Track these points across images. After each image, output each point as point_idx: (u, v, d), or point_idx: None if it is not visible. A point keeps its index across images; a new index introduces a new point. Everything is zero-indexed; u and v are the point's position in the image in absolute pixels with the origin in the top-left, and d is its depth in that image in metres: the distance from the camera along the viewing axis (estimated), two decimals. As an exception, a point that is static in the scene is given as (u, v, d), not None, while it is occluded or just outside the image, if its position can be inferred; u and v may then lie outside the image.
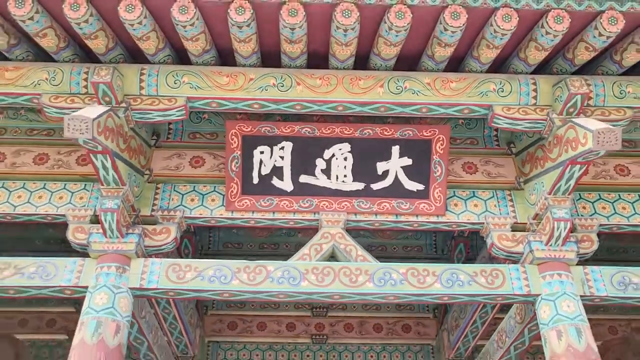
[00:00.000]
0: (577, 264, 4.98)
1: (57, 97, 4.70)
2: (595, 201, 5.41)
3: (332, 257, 5.11)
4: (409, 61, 4.93)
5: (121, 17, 4.21)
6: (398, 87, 4.80)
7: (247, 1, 4.21)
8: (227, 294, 4.78)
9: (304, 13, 4.23)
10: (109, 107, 4.46)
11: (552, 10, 4.30)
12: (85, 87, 4.72)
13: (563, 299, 4.69)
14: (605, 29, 4.30)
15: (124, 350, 4.51)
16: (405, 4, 4.24)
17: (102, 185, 4.76)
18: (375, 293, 4.79)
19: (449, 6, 4.25)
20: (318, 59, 4.87)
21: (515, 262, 5.11)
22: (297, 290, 4.75)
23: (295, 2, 4.21)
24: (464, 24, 4.27)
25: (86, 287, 4.69)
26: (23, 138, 5.59)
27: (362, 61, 4.91)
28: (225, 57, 4.87)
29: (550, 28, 4.30)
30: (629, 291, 4.84)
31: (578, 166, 4.61)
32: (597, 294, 4.84)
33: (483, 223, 5.24)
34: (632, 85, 4.87)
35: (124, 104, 4.65)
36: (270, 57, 4.86)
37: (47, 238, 7.52)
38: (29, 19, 4.22)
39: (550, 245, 4.92)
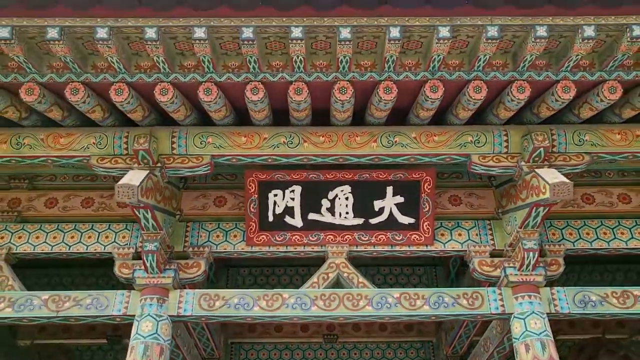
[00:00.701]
0: (545, 285, 5.86)
1: (103, 158, 5.63)
2: (563, 228, 6.27)
3: (337, 283, 6.03)
4: (400, 113, 5.77)
5: (157, 99, 5.10)
6: (389, 142, 5.66)
7: (260, 82, 5.09)
8: (250, 318, 5.74)
9: (308, 91, 5.10)
10: (148, 170, 5.37)
11: (516, 81, 5.14)
12: (126, 149, 5.63)
13: (531, 317, 5.59)
14: (560, 96, 5.13)
15: (168, 368, 5.51)
16: (391, 80, 5.10)
17: (143, 230, 5.70)
18: (374, 315, 5.73)
19: (429, 80, 5.10)
20: (321, 114, 5.71)
21: (493, 285, 6.00)
22: (308, 314, 5.70)
23: (300, 82, 5.08)
24: (441, 95, 5.12)
25: (133, 316, 5.66)
26: (71, 184, 6.54)
27: (359, 114, 5.76)
28: (242, 115, 5.73)
29: (514, 96, 5.14)
30: (588, 308, 5.73)
31: (542, 207, 5.47)
32: (561, 312, 5.73)
33: (466, 250, 6.13)
34: (590, 133, 5.70)
35: (159, 164, 5.57)
36: (280, 114, 5.71)
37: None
38: (82, 102, 5.13)
39: (522, 270, 5.80)
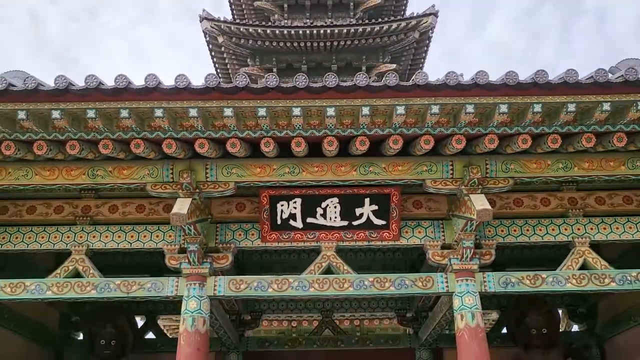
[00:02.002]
0: (479, 271, 8.07)
1: (156, 185, 7.70)
2: (497, 226, 8.40)
3: (328, 270, 8.24)
4: (376, 145, 7.75)
5: (196, 149, 7.11)
6: (366, 170, 7.70)
7: (270, 137, 7.08)
8: (266, 297, 8.01)
9: (306, 144, 7.10)
10: (191, 198, 7.45)
11: (456, 134, 7.11)
12: (172, 178, 7.67)
13: (467, 295, 7.84)
14: (486, 146, 7.12)
15: (208, 332, 7.82)
16: (365, 135, 7.08)
17: (186, 235, 7.84)
18: (354, 294, 7.99)
19: (392, 135, 7.08)
20: (316, 146, 7.69)
21: (442, 270, 8.22)
22: (307, 294, 7.96)
23: (299, 138, 7.07)
24: (401, 145, 7.12)
25: (181, 296, 7.91)
26: (126, 193, 8.61)
27: (345, 144, 7.74)
28: (256, 146, 7.71)
29: (454, 146, 7.13)
30: (508, 288, 7.96)
31: (475, 221, 7.57)
32: (489, 291, 7.97)
33: (424, 244, 8.30)
34: (514, 163, 7.71)
35: (197, 189, 7.64)
36: (285, 145, 7.68)
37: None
38: (142, 152, 7.14)
39: (462, 260, 7.99)
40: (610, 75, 6.58)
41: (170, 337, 11.21)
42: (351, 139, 7.21)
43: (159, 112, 6.63)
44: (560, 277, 8.01)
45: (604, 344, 10.89)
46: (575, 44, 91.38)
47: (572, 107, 6.69)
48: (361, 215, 8.26)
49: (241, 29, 26.11)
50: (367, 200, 8.20)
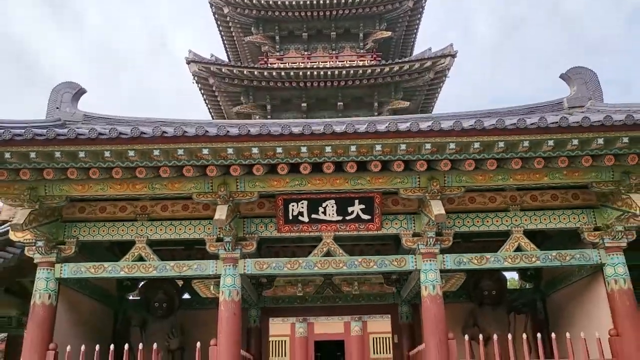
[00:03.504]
0: (440, 253, 10.87)
1: (199, 194, 10.41)
2: (455, 218, 11.14)
3: (328, 253, 11.05)
4: (362, 165, 10.38)
5: (230, 172, 9.79)
6: (355, 182, 10.37)
7: (285, 164, 9.72)
8: (282, 274, 10.88)
9: (310, 166, 9.77)
10: (227, 205, 10.17)
11: (419, 160, 9.74)
12: (211, 189, 10.36)
13: (430, 272, 10.69)
14: (442, 168, 9.78)
15: (240, 300, 10.73)
16: (353, 161, 9.71)
17: (221, 229, 10.59)
18: (347, 272, 10.86)
19: (373, 161, 9.72)
20: (317, 165, 10.32)
21: (412, 253, 11.03)
22: (313, 272, 10.84)
23: (305, 164, 9.71)
24: (380, 167, 9.78)
25: (219, 275, 10.76)
26: (176, 195, 11.30)
27: (338, 166, 10.37)
28: (273, 167, 10.35)
29: (418, 168, 9.78)
30: (461, 266, 10.81)
31: (434, 220, 10.30)
32: (446, 268, 10.81)
33: (399, 233, 11.07)
34: (465, 176, 10.38)
35: (231, 198, 10.35)
36: (295, 166, 10.32)
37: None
38: (191, 174, 9.83)
39: (427, 246, 10.79)
40: (527, 121, 9.15)
41: (203, 297, 14.15)
42: (343, 163, 9.85)
43: (205, 151, 9.28)
44: (500, 257, 10.84)
45: (546, 299, 13.88)
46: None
47: (501, 144, 9.32)
48: (352, 212, 11.00)
49: (234, 71, 26.24)
50: (356, 201, 10.92)
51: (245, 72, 26.67)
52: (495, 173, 10.36)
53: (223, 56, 32.75)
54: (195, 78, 27.30)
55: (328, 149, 9.31)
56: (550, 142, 9.30)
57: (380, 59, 30.06)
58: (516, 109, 13.19)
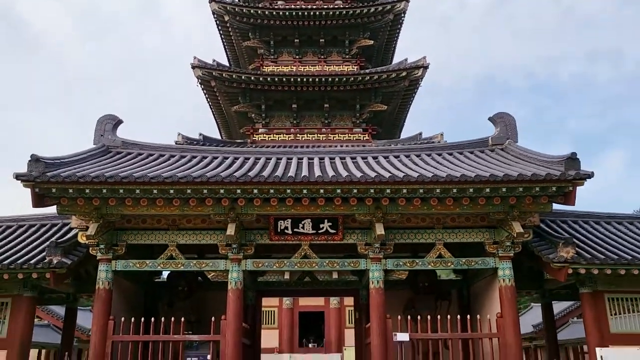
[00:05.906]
0: (384, 258, 15.43)
1: (215, 215, 14.88)
2: (395, 233, 15.64)
3: (305, 256, 15.60)
4: (329, 199, 14.84)
5: (237, 203, 14.27)
6: (324, 209, 14.84)
7: (276, 198, 14.20)
8: (272, 270, 15.48)
9: (293, 199, 14.27)
10: (235, 224, 14.65)
11: (366, 197, 14.24)
12: (224, 211, 14.82)
13: (375, 271, 15.28)
14: (382, 202, 14.29)
15: (242, 288, 15.32)
16: (322, 198, 14.20)
17: (231, 239, 15.08)
18: (319, 270, 15.49)
19: (335, 197, 14.21)
20: (298, 199, 14.76)
21: (365, 257, 15.60)
22: (294, 269, 15.45)
23: (290, 198, 14.20)
24: (341, 201, 14.28)
25: (228, 270, 15.32)
26: (200, 213, 15.72)
27: (312, 198, 14.84)
28: (268, 199, 14.79)
29: (366, 202, 14.28)
30: (398, 267, 15.41)
31: (377, 237, 14.82)
32: (387, 269, 15.40)
33: (356, 243, 15.61)
34: (401, 206, 14.88)
35: (237, 218, 14.82)
36: (283, 199, 14.76)
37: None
38: (211, 204, 14.31)
39: (374, 253, 15.35)
40: (439, 174, 13.60)
41: (212, 280, 18.67)
42: (315, 198, 14.32)
43: (222, 191, 13.71)
44: (426, 262, 15.47)
45: (470, 289, 18.60)
46: None
47: (421, 190, 13.80)
48: (322, 227, 15.51)
49: (233, 75, 31.22)
50: (325, 220, 15.43)
51: (243, 76, 31.12)
52: (421, 205, 14.86)
53: (223, 57, 37.07)
54: (199, 81, 31.73)
55: (305, 190, 13.77)
56: (454, 190, 13.81)
57: (364, 63, 34.47)
58: (450, 145, 17.72)
